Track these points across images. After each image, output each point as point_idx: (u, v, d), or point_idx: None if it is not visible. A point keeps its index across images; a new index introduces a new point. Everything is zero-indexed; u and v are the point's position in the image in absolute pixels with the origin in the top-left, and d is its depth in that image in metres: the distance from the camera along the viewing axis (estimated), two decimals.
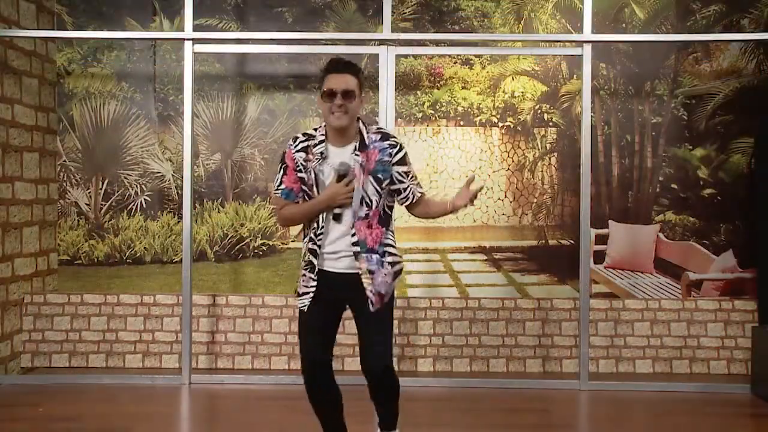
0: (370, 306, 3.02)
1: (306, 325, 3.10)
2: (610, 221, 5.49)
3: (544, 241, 5.52)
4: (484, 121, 5.51)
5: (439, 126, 5.50)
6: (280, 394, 4.79)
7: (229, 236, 5.56)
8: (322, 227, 3.02)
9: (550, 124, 5.52)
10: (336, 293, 3.06)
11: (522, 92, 5.52)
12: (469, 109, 5.51)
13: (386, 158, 3.03)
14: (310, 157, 3.03)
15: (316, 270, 3.04)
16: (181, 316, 5.04)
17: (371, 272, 3.01)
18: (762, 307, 5.17)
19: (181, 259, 5.09)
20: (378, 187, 3.02)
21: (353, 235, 3.00)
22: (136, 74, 5.57)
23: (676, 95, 5.48)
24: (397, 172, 3.05)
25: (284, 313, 5.41)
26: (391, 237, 3.13)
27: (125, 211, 5.57)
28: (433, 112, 5.51)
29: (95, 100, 5.58)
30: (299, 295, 3.10)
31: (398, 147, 3.06)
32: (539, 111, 5.51)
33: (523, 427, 4.18)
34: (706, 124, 5.47)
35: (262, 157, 5.56)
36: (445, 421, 4.17)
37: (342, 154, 3.02)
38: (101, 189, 5.58)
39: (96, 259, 5.56)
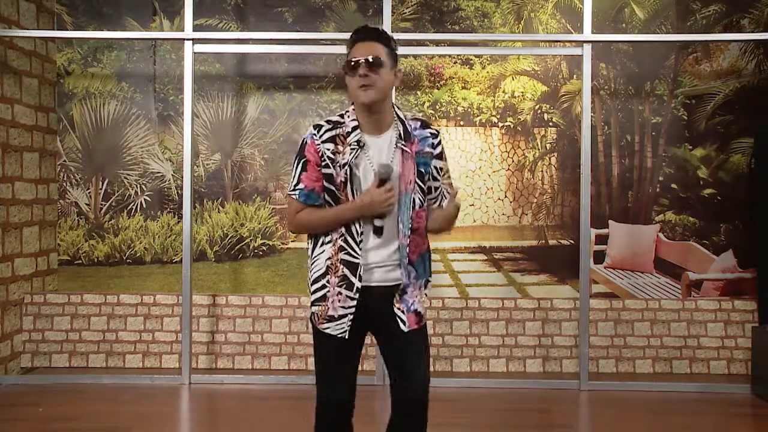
0: (402, 326, 2.50)
1: (337, 358, 2.53)
2: (610, 221, 5.49)
3: (544, 241, 5.52)
4: (484, 121, 5.51)
5: (439, 126, 5.50)
6: (280, 394, 4.79)
7: (229, 236, 5.56)
8: (362, 233, 2.47)
9: (550, 124, 5.52)
10: (369, 313, 2.51)
11: (522, 92, 5.52)
12: (469, 109, 5.51)
13: (428, 149, 2.53)
14: (341, 148, 2.47)
15: (356, 287, 2.47)
16: (181, 316, 5.04)
17: (405, 288, 2.52)
18: (762, 307, 5.17)
19: (181, 259, 5.09)
20: (421, 184, 2.52)
21: (405, 244, 2.49)
22: (136, 74, 5.57)
23: (676, 95, 5.48)
24: (435, 166, 2.55)
25: (284, 313, 5.41)
26: (429, 248, 2.65)
27: (125, 211, 5.57)
28: (433, 112, 5.51)
29: (95, 100, 5.58)
30: (328, 319, 2.51)
31: (439, 137, 2.58)
32: (539, 111, 5.51)
33: (523, 427, 4.18)
34: (706, 124, 5.47)
35: (262, 157, 5.56)
36: (445, 421, 4.16)
37: (381, 145, 2.49)
38: (101, 189, 5.58)
39: (96, 259, 5.56)
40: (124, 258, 5.57)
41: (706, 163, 5.48)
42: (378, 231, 2.47)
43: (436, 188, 2.60)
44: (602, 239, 5.47)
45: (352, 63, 2.45)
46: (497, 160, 5.53)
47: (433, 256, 5.50)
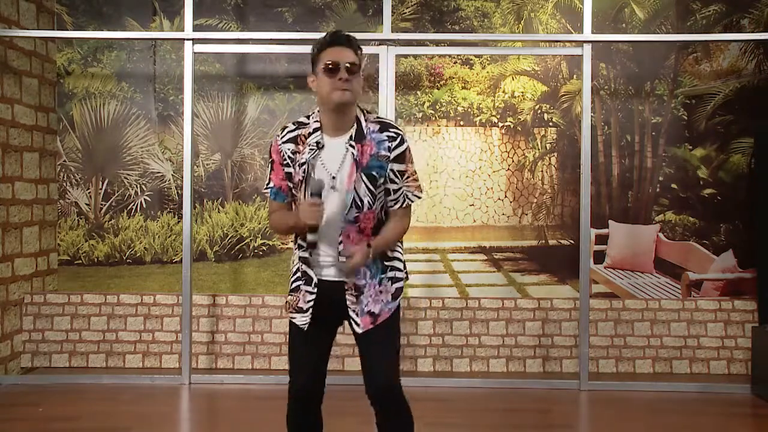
0: (356, 327, 2.61)
1: (302, 348, 2.68)
2: (610, 221, 5.49)
3: (544, 241, 5.52)
4: (484, 121, 5.51)
5: (439, 126, 5.50)
6: (280, 394, 4.74)
7: (229, 236, 5.56)
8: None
9: (550, 124, 5.52)
10: (333, 306, 2.63)
11: (522, 92, 5.52)
12: (469, 109, 5.51)
13: (383, 152, 2.55)
14: (301, 147, 2.57)
15: (314, 281, 2.62)
16: (181, 316, 5.04)
17: (357, 288, 2.60)
18: (762, 307, 5.17)
19: (181, 259, 5.09)
20: (372, 186, 2.55)
21: (340, 243, 2.56)
22: (136, 74, 5.57)
23: (676, 95, 5.48)
24: (392, 170, 2.57)
25: (284, 313, 5.41)
26: (398, 248, 2.70)
27: (125, 211, 5.57)
28: (433, 112, 5.51)
29: (95, 100, 5.58)
30: (297, 310, 2.66)
31: (398, 140, 2.57)
32: (539, 111, 5.51)
33: (523, 427, 4.18)
34: (706, 124, 5.47)
35: (262, 157, 5.56)
36: (445, 421, 4.17)
37: (336, 146, 2.56)
38: (101, 189, 5.58)
39: (96, 259, 5.56)
40: (124, 258, 5.57)
41: (706, 163, 5.48)
42: (311, 245, 2.56)
43: (396, 191, 2.62)
44: (602, 239, 5.47)
45: (330, 65, 2.55)
46: (497, 160, 5.53)
47: (434, 257, 5.55)
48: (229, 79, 5.58)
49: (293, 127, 2.65)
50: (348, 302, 2.62)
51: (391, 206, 2.65)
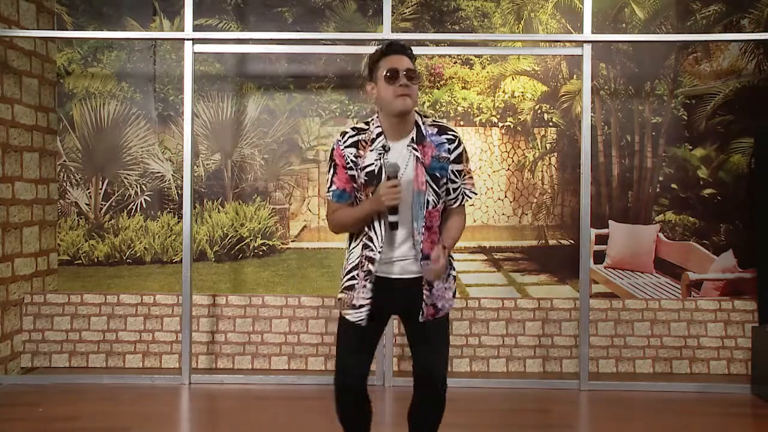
0: (420, 317, 2.77)
1: (354, 343, 2.80)
2: (610, 221, 5.49)
3: (544, 241, 5.52)
4: (484, 121, 5.51)
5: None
6: (280, 394, 4.79)
7: (229, 236, 5.56)
8: (382, 230, 2.72)
9: (550, 124, 5.52)
10: (391, 303, 2.80)
11: (522, 92, 5.52)
12: (469, 109, 5.51)
13: (444, 154, 2.72)
14: (362, 152, 2.72)
15: (374, 278, 2.74)
16: (181, 316, 5.04)
17: (429, 282, 2.76)
18: (762, 307, 5.17)
19: (181, 259, 5.09)
20: (435, 186, 2.72)
21: (419, 240, 2.72)
22: (136, 74, 5.57)
23: (676, 95, 5.48)
24: (452, 170, 2.75)
25: (284, 313, 5.41)
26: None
27: (125, 211, 5.57)
28: (433, 112, 5.51)
29: (95, 100, 5.58)
30: (351, 307, 2.78)
31: (456, 142, 2.75)
32: (539, 111, 5.52)
33: (523, 427, 4.18)
34: (706, 124, 5.47)
35: (262, 157, 5.56)
36: (445, 421, 4.15)
37: (399, 149, 2.72)
38: (101, 189, 5.58)
39: (96, 259, 5.56)
40: (124, 258, 5.57)
41: (706, 163, 5.48)
42: (393, 226, 2.66)
43: (455, 189, 2.81)
44: (602, 239, 5.47)
45: (390, 73, 2.67)
46: (497, 160, 5.53)
47: None
48: (229, 79, 5.58)
49: (353, 132, 2.77)
50: (424, 291, 2.76)
51: (451, 204, 2.83)
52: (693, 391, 4.92)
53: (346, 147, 2.75)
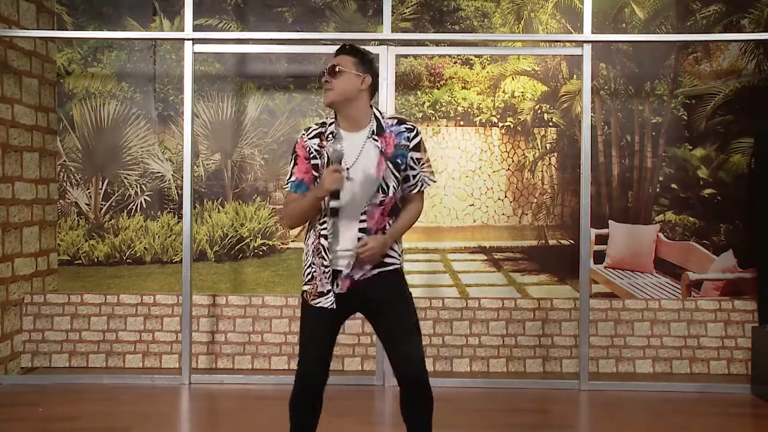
0: (341, 287, 2.84)
1: (316, 333, 2.87)
2: (610, 221, 5.49)
3: (544, 241, 5.52)
4: (484, 121, 5.51)
5: (439, 126, 5.50)
6: (280, 394, 4.76)
7: (229, 236, 5.56)
8: (325, 219, 2.83)
9: (550, 124, 5.52)
10: (349, 298, 2.86)
11: (522, 92, 5.52)
12: (469, 109, 5.51)
13: (404, 142, 2.88)
14: (324, 143, 2.88)
15: (330, 270, 2.83)
16: (181, 316, 5.04)
17: (360, 266, 2.84)
18: (762, 307, 5.17)
19: (181, 259, 5.09)
20: (396, 173, 2.87)
21: (362, 221, 2.82)
22: (136, 74, 5.57)
23: (676, 95, 5.49)
24: (411, 157, 2.90)
25: (284, 313, 5.41)
26: (394, 247, 2.93)
27: (125, 211, 5.57)
28: (433, 112, 5.51)
29: (95, 100, 5.58)
30: (318, 295, 2.85)
31: (415, 131, 2.91)
32: (539, 111, 5.52)
33: (523, 427, 4.18)
34: (706, 124, 5.47)
35: (262, 157, 5.56)
36: (445, 421, 4.16)
37: (355, 140, 2.87)
38: (101, 189, 5.58)
39: (96, 259, 5.56)
40: (124, 258, 5.57)
41: (706, 163, 5.48)
42: (334, 211, 2.80)
43: (414, 176, 2.93)
44: (602, 239, 5.47)
45: (321, 73, 2.91)
46: (497, 160, 5.53)
47: (433, 257, 5.54)
48: (229, 79, 5.58)
49: (316, 126, 2.94)
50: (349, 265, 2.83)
51: (410, 190, 2.95)
52: (693, 391, 4.92)
53: (309, 138, 2.91)
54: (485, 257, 5.52)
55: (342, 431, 3.98)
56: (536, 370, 5.35)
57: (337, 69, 2.85)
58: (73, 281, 5.55)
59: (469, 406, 4.52)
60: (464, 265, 5.51)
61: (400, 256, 2.96)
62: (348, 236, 2.84)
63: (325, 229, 2.84)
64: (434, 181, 3.00)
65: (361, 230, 2.82)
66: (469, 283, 5.48)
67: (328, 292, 2.84)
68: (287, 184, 2.93)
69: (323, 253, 2.84)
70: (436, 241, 5.52)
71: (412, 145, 2.90)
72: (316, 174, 2.88)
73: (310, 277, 2.90)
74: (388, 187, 2.85)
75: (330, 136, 2.87)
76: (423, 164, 2.94)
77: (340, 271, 2.85)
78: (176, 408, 4.58)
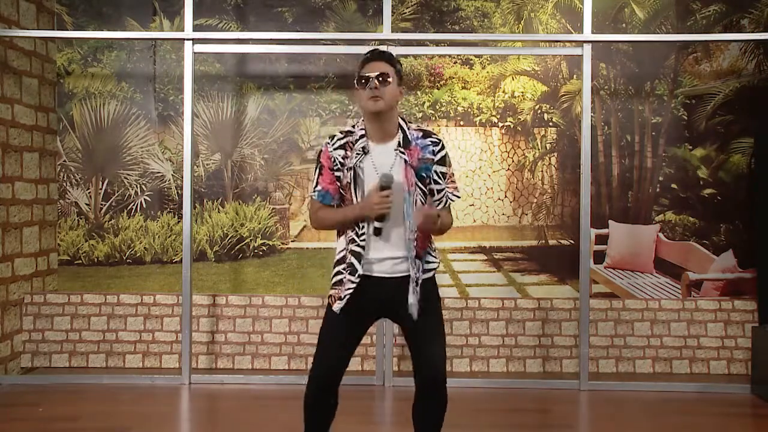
0: (413, 315, 2.83)
1: (333, 334, 2.88)
2: (610, 221, 5.49)
3: (544, 241, 5.52)
4: (484, 121, 5.51)
5: (439, 126, 5.50)
6: (280, 394, 4.79)
7: (229, 236, 5.56)
8: (363, 229, 2.83)
9: (550, 124, 5.52)
10: (378, 303, 2.88)
11: (522, 92, 5.52)
12: (469, 109, 5.51)
13: (429, 156, 2.86)
14: (349, 153, 2.84)
15: (358, 273, 2.82)
16: (181, 316, 5.04)
17: (417, 281, 2.84)
18: (762, 307, 5.17)
19: (181, 259, 5.09)
20: (423, 186, 2.85)
21: (412, 239, 2.81)
22: (136, 74, 5.57)
23: (676, 95, 5.49)
24: (436, 171, 2.88)
25: (284, 313, 5.41)
26: (433, 243, 3.00)
27: (125, 211, 5.57)
28: (433, 112, 5.51)
29: (95, 100, 5.58)
30: (339, 299, 2.86)
31: (440, 145, 2.90)
32: (539, 111, 5.52)
33: (523, 427, 4.18)
34: (706, 124, 5.47)
35: (262, 157, 5.56)
36: (446, 421, 4.15)
37: (384, 152, 2.84)
38: (101, 189, 5.58)
39: (96, 259, 5.56)
40: (124, 258, 5.57)
41: (706, 163, 5.48)
42: (377, 232, 2.79)
43: (440, 191, 2.91)
44: (602, 239, 5.47)
45: (363, 78, 2.82)
46: (497, 160, 5.53)
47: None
48: (229, 79, 5.58)
49: (341, 135, 2.90)
50: (410, 293, 2.82)
51: (435, 206, 2.92)
52: (693, 391, 4.92)
53: (334, 149, 2.87)
54: (485, 257, 5.52)
55: (342, 431, 3.98)
56: (536, 370, 5.35)
57: (388, 77, 2.81)
58: (73, 281, 5.55)
59: (469, 406, 4.52)
60: (464, 265, 5.51)
61: (437, 259, 2.99)
62: (388, 246, 2.83)
63: (362, 242, 2.82)
64: (458, 197, 2.98)
65: (404, 245, 2.83)
66: (469, 283, 5.48)
67: (343, 298, 2.84)
68: (314, 191, 2.90)
69: (354, 261, 2.83)
70: (436, 241, 5.50)
71: (437, 158, 2.88)
72: (339, 185, 2.87)
73: (337, 280, 2.89)
74: (417, 202, 2.83)
75: (360, 150, 2.83)
76: (448, 179, 2.93)
77: (384, 278, 2.84)
78: (176, 408, 4.58)
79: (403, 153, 2.83)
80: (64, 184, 5.58)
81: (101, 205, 5.57)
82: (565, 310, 5.37)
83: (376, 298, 2.86)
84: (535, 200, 5.53)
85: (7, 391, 4.82)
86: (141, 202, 5.57)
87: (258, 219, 5.56)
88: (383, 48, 2.93)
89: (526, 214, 5.54)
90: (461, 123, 5.52)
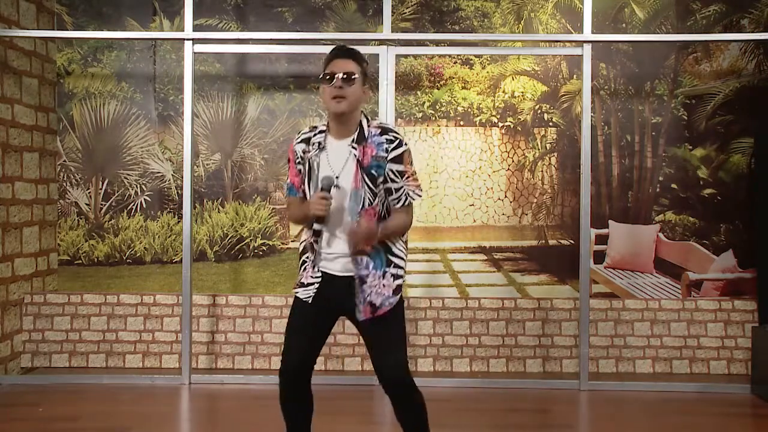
0: (358, 315, 2.81)
1: (296, 323, 2.88)
2: (610, 221, 5.49)
3: (544, 241, 5.52)
4: (484, 121, 5.51)
5: (439, 126, 5.51)
6: None
7: (229, 236, 5.56)
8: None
9: (550, 124, 5.52)
10: (333, 298, 2.85)
11: (522, 92, 5.52)
12: (469, 109, 5.51)
13: (382, 153, 2.78)
14: (309, 148, 2.85)
15: (317, 267, 2.85)
16: (181, 316, 5.04)
17: (362, 278, 2.80)
18: (762, 307, 5.17)
19: (181, 259, 5.09)
20: (371, 185, 2.79)
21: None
22: (136, 74, 5.57)
23: (676, 95, 5.49)
24: (391, 170, 2.80)
25: (284, 313, 5.41)
26: (399, 246, 2.89)
27: (125, 211, 5.57)
28: (433, 112, 5.51)
29: (95, 100, 5.58)
30: (302, 285, 2.87)
31: (396, 143, 2.80)
32: (539, 111, 5.52)
33: (523, 427, 4.18)
34: (706, 124, 5.47)
35: (262, 157, 5.56)
36: (445, 421, 4.17)
37: (339, 148, 2.82)
38: (101, 189, 5.58)
39: (96, 259, 5.56)
40: (124, 258, 5.57)
41: (706, 163, 5.48)
42: (316, 233, 2.81)
43: (397, 189, 2.85)
44: (602, 239, 5.47)
45: (328, 76, 2.79)
46: (497, 160, 5.53)
47: (434, 257, 5.54)
48: (229, 79, 5.58)
49: (307, 130, 2.92)
50: (354, 291, 2.80)
51: (394, 204, 2.86)
52: (693, 391, 4.92)
53: (297, 143, 2.91)
54: (485, 257, 5.52)
55: (342, 431, 3.98)
56: (536, 370, 5.35)
57: (353, 77, 2.78)
58: (73, 281, 5.55)
59: (469, 406, 4.52)
60: (464, 265, 5.51)
61: (402, 271, 2.90)
62: (341, 241, 2.81)
63: (317, 236, 2.83)
64: (420, 196, 2.90)
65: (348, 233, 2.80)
66: (469, 283, 5.48)
67: (309, 285, 2.85)
68: (284, 185, 2.97)
69: (313, 251, 2.86)
70: (436, 241, 5.52)
71: (390, 156, 2.79)
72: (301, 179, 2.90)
73: (303, 268, 2.92)
74: (363, 200, 2.79)
75: (316, 145, 2.84)
76: (407, 177, 2.84)
77: (336, 276, 2.84)
78: (176, 408, 4.58)
79: (355, 149, 2.80)
80: (64, 184, 5.58)
81: (101, 205, 5.57)
82: (565, 310, 5.37)
83: (330, 295, 2.85)
84: (535, 200, 5.53)
85: (7, 391, 4.82)
86: (141, 202, 5.57)
87: (258, 219, 5.56)
88: (351, 46, 2.92)
89: (526, 214, 5.54)
90: (461, 123, 5.52)
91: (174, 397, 4.74)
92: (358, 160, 2.79)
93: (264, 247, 5.56)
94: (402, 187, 2.84)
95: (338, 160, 2.82)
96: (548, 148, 5.52)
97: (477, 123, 5.51)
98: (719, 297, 5.40)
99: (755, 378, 4.91)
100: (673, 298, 5.41)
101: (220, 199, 5.57)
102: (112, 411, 4.38)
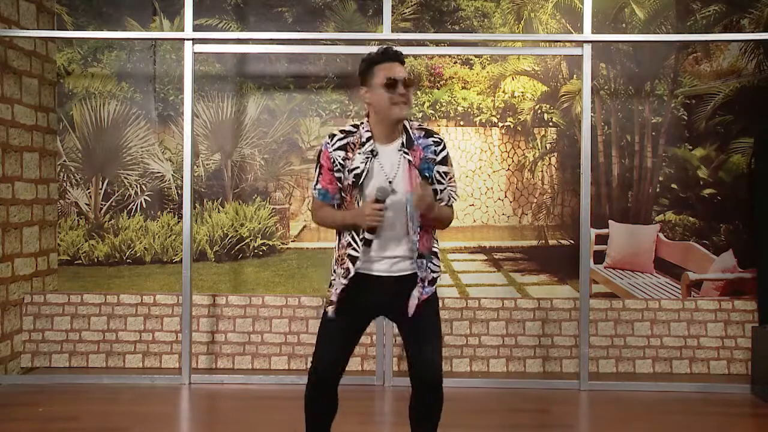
0: (409, 311, 2.84)
1: (331, 332, 2.88)
2: (610, 221, 5.49)
3: (544, 241, 5.52)
4: (484, 121, 5.51)
5: (439, 126, 5.50)
6: (280, 394, 4.79)
7: (229, 236, 5.56)
8: (361, 234, 2.83)
9: (550, 124, 5.52)
10: (373, 300, 2.88)
11: (522, 92, 5.52)
12: (469, 109, 5.51)
13: (431, 155, 2.84)
14: (351, 155, 2.81)
15: (351, 275, 2.83)
16: (181, 316, 5.04)
17: (422, 280, 2.86)
18: (762, 307, 5.17)
19: (181, 259, 5.09)
20: None
21: (415, 240, 2.82)
22: (136, 74, 5.57)
23: (676, 95, 5.49)
24: (438, 171, 2.86)
25: (284, 313, 5.41)
26: (437, 244, 2.98)
27: (125, 211, 5.57)
28: (433, 112, 5.51)
29: (95, 100, 5.58)
30: (331, 303, 2.88)
31: (442, 145, 2.88)
32: (539, 111, 5.52)
33: (523, 427, 4.19)
34: (706, 124, 5.47)
35: (262, 157, 5.56)
36: (445, 421, 4.15)
37: (389, 153, 2.82)
38: (101, 189, 5.58)
39: (96, 259, 5.56)
40: (124, 258, 5.57)
41: (706, 163, 5.48)
42: (367, 243, 2.80)
43: (442, 190, 2.89)
44: (602, 239, 5.47)
45: (389, 81, 2.75)
46: (497, 160, 5.53)
47: None
48: (229, 79, 5.58)
49: (342, 135, 2.85)
50: (415, 291, 2.84)
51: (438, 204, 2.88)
52: (693, 391, 4.92)
53: (334, 150, 2.83)
54: (485, 257, 5.52)
55: (342, 431, 3.97)
56: (536, 370, 5.35)
57: (412, 81, 2.80)
58: (73, 281, 5.55)
59: (469, 406, 4.52)
60: (464, 265, 5.51)
61: (440, 267, 2.99)
62: (390, 246, 2.83)
63: (355, 249, 2.82)
64: (458, 197, 2.95)
65: (406, 244, 2.84)
66: (469, 283, 5.48)
67: (336, 301, 2.85)
68: (314, 189, 2.90)
69: (349, 265, 2.83)
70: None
71: (439, 158, 2.86)
72: (340, 185, 2.86)
73: (330, 283, 2.92)
74: None
75: (369, 153, 2.80)
76: (450, 179, 2.91)
77: (380, 276, 2.85)
78: (176, 408, 4.59)
79: (407, 153, 2.81)
80: (64, 184, 5.58)
81: (101, 205, 5.58)
82: (565, 310, 5.37)
83: (373, 296, 2.86)
84: (535, 200, 5.53)
85: (7, 391, 4.82)
86: (141, 202, 5.57)
87: (258, 219, 5.56)
88: (396, 48, 2.88)
89: (526, 214, 5.54)
90: (461, 123, 5.52)
91: (174, 397, 4.74)
92: (411, 163, 2.81)
93: (264, 247, 5.56)
94: (446, 188, 2.90)
95: (391, 165, 2.81)
96: (548, 148, 5.52)
97: (477, 123, 5.51)
98: (719, 297, 5.40)
99: (755, 378, 4.91)
100: (673, 298, 5.41)
101: (220, 199, 5.57)
102: (111, 411, 4.38)
